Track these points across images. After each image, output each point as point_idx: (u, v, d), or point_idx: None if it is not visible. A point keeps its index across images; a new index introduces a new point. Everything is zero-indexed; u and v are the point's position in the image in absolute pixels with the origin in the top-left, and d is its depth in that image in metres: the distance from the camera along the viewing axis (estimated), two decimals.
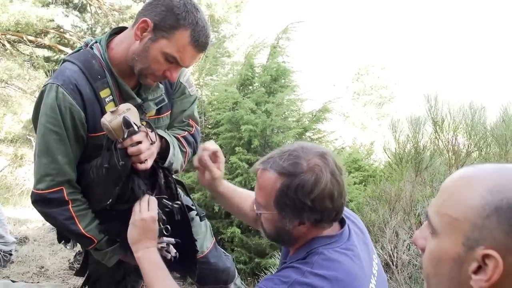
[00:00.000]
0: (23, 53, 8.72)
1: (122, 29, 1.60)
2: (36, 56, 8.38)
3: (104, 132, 1.42)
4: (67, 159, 1.50)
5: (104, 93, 1.51)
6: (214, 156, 1.56)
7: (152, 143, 1.48)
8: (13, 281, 2.99)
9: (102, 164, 1.46)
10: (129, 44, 1.49)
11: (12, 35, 8.11)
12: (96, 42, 1.56)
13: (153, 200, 1.47)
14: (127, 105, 1.41)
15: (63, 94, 1.44)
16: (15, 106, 8.70)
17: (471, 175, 0.74)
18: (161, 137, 1.59)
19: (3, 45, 8.32)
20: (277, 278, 1.14)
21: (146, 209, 1.44)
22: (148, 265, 1.41)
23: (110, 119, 1.37)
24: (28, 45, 8.18)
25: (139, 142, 1.42)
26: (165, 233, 1.55)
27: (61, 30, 8.94)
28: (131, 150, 1.42)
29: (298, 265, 1.15)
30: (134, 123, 1.39)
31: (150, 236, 1.43)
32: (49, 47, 8.85)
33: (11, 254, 3.49)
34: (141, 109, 1.57)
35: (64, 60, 1.55)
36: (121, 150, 1.42)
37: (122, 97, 1.55)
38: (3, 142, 9.23)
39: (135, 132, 1.39)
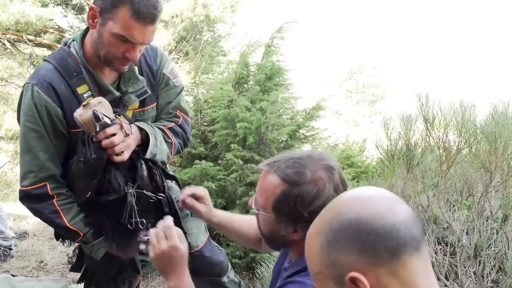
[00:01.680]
0: (23, 52, 8.76)
1: None
2: (36, 55, 8.42)
3: None
4: (48, 155, 1.52)
5: (82, 89, 1.52)
6: (197, 196, 1.60)
7: (127, 135, 1.49)
8: (13, 275, 3.02)
9: (79, 158, 1.49)
10: (91, 36, 1.51)
11: (12, 35, 8.16)
12: (73, 40, 1.58)
13: (169, 227, 1.33)
14: (99, 99, 1.43)
15: (38, 93, 1.47)
16: (15, 104, 8.72)
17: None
18: (141, 129, 1.59)
19: (3, 44, 8.37)
20: None
21: (164, 239, 1.31)
22: None
23: (80, 113, 1.39)
24: (28, 44, 8.23)
25: (114, 135, 1.44)
26: (141, 227, 1.56)
27: (60, 29, 8.98)
28: (104, 142, 1.44)
29: (301, 279, 1.14)
30: (107, 116, 1.40)
31: (175, 264, 1.31)
32: (48, 46, 8.88)
33: (11, 249, 3.52)
34: (122, 102, 1.58)
35: (44, 60, 1.58)
36: (95, 143, 1.44)
37: (101, 91, 1.56)
38: (3, 139, 9.26)
39: (107, 125, 1.41)
